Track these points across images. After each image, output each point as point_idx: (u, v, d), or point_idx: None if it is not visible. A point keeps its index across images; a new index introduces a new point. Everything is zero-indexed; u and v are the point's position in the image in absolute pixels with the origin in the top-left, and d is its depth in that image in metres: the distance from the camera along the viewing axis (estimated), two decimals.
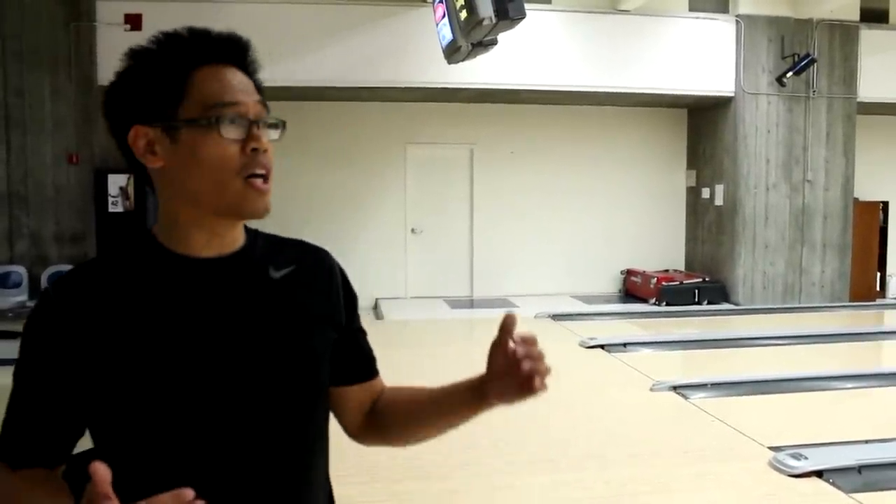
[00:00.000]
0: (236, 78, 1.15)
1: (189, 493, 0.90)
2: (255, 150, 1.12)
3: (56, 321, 1.10)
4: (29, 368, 1.12)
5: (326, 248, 1.34)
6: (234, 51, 1.17)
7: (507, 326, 1.13)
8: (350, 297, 1.32)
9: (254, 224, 1.27)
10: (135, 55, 1.14)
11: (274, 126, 1.18)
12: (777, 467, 4.02)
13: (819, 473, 3.91)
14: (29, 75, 8.52)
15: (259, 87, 1.19)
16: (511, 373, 1.12)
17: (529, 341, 1.12)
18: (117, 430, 1.11)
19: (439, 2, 7.49)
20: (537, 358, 1.11)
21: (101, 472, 0.87)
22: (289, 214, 9.78)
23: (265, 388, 1.15)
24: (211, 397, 1.10)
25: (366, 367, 1.36)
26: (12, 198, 8.62)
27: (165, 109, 1.12)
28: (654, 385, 5.77)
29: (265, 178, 1.14)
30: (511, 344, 1.12)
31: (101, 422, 1.12)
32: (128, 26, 8.29)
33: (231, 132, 1.11)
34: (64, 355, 1.09)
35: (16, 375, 1.12)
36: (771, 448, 4.32)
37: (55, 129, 8.64)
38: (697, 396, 5.53)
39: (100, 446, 1.14)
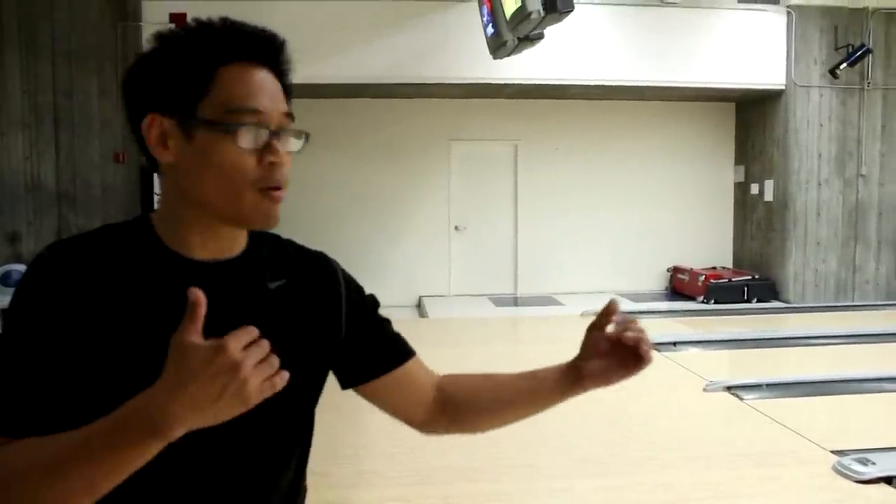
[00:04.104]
0: (265, 82, 1.08)
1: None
2: (272, 163, 1.06)
3: (52, 286, 1.03)
4: (24, 332, 1.02)
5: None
6: (268, 49, 1.10)
7: (611, 310, 1.18)
8: (355, 301, 1.27)
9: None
10: (162, 39, 1.07)
11: (297, 136, 1.12)
12: (843, 473, 3.87)
13: (888, 480, 3.75)
14: (77, 75, 8.63)
15: (288, 93, 1.13)
16: (605, 353, 1.19)
17: (631, 320, 1.18)
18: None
19: None
20: (641, 331, 1.17)
21: (199, 296, 0.89)
22: (332, 212, 9.80)
23: None
24: None
25: (399, 349, 1.32)
26: (61, 197, 8.72)
27: (185, 103, 1.05)
28: (707, 385, 5.62)
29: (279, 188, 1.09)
30: (610, 326, 1.18)
31: (77, 410, 1.03)
32: (173, 25, 8.34)
33: (248, 142, 1.05)
34: (57, 322, 1.01)
35: (6, 341, 1.03)
36: (834, 452, 4.17)
37: (102, 128, 8.73)
38: (752, 397, 5.38)
39: None
